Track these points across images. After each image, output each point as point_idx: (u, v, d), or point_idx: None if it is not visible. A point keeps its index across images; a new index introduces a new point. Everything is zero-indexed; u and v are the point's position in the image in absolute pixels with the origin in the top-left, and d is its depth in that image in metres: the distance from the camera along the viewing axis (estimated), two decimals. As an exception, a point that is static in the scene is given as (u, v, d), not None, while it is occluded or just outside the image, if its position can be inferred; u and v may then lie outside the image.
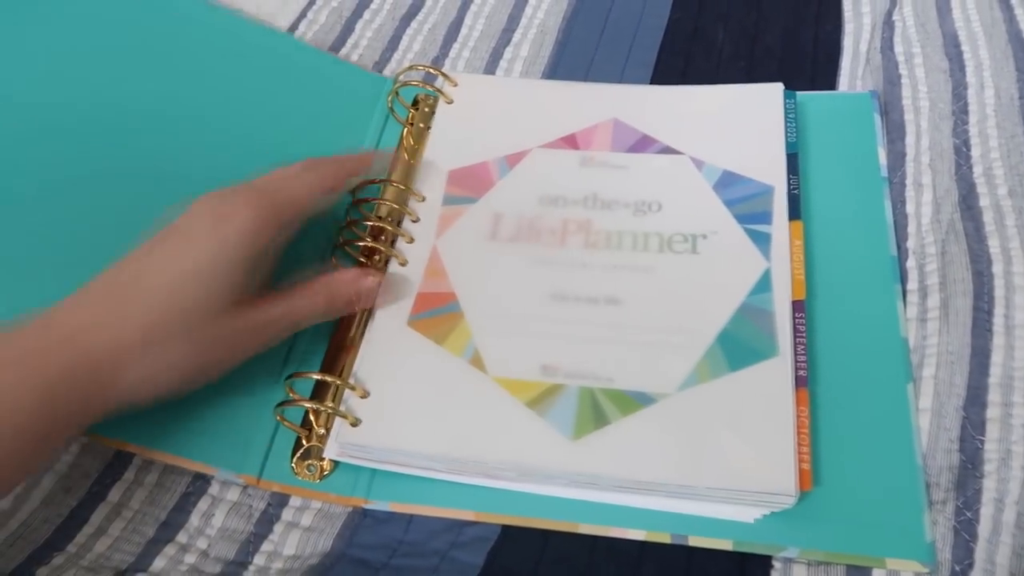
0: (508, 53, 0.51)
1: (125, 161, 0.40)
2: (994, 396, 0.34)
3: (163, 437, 0.36)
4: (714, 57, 0.50)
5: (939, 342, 0.36)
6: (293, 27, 0.53)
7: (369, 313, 0.39)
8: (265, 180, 0.34)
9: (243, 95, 0.45)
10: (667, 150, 0.43)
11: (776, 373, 0.35)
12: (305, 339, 0.39)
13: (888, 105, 0.45)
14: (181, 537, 0.35)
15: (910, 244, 0.40)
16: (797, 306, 0.37)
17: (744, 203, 0.41)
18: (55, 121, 0.42)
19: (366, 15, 0.54)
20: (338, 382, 0.36)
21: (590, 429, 0.34)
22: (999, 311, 0.36)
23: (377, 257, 0.41)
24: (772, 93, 0.45)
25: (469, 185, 0.43)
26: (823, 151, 0.43)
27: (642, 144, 0.44)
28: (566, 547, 0.34)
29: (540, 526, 0.34)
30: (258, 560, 0.35)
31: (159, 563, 0.34)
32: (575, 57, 0.51)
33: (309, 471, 0.36)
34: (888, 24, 0.48)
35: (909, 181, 0.42)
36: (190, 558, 0.35)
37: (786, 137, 0.43)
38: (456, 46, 0.52)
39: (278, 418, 0.36)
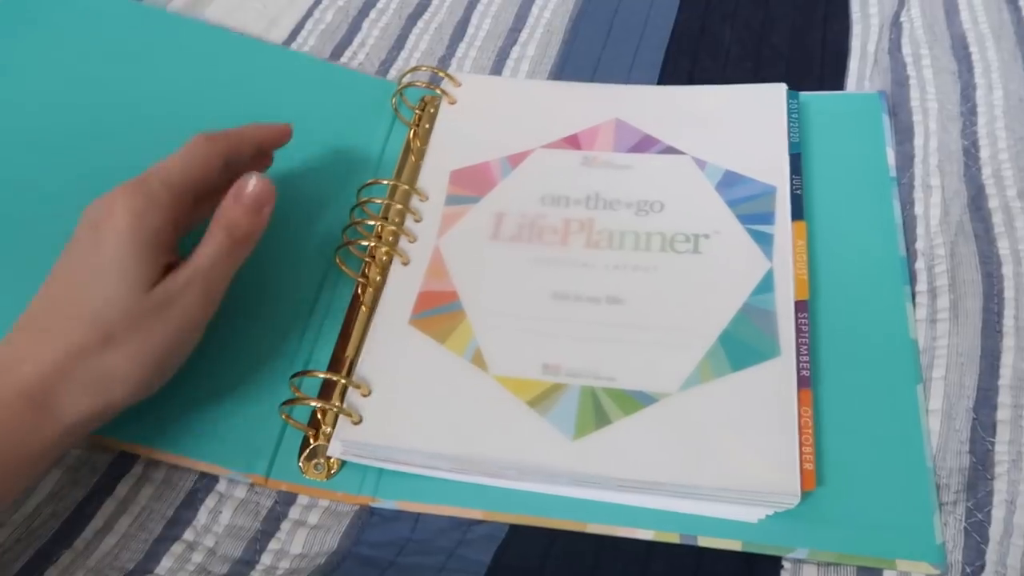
0: (515, 53, 0.51)
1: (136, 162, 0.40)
2: (1004, 398, 0.34)
3: (170, 438, 0.36)
4: (721, 57, 0.50)
5: (949, 343, 0.36)
6: (299, 26, 0.53)
7: (372, 311, 0.39)
8: (148, 168, 0.35)
9: (250, 110, 0.45)
10: (669, 150, 0.43)
11: (778, 373, 0.35)
12: (311, 339, 0.39)
13: (896, 106, 0.45)
14: (188, 535, 0.35)
15: (919, 245, 0.40)
16: (800, 306, 0.37)
17: (746, 203, 0.41)
18: (55, 153, 0.44)
19: (372, 14, 0.54)
20: (341, 380, 0.36)
21: (591, 428, 0.34)
22: (1009, 312, 0.36)
23: (384, 256, 0.41)
24: (775, 93, 0.45)
25: (472, 185, 0.43)
26: (832, 152, 0.43)
27: (644, 144, 0.44)
28: (574, 545, 0.34)
29: (549, 525, 0.34)
30: (265, 559, 0.34)
31: (166, 563, 0.34)
32: (582, 57, 0.51)
33: (316, 470, 0.36)
34: (896, 25, 0.48)
35: (918, 182, 0.42)
36: (197, 557, 0.34)
37: (789, 137, 0.43)
38: (463, 45, 0.52)
39: (283, 417, 0.36)
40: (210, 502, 0.36)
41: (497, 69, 0.51)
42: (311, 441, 0.36)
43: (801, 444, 0.33)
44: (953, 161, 0.42)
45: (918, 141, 0.43)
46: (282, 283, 0.41)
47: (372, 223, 0.41)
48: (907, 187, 0.42)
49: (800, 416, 0.34)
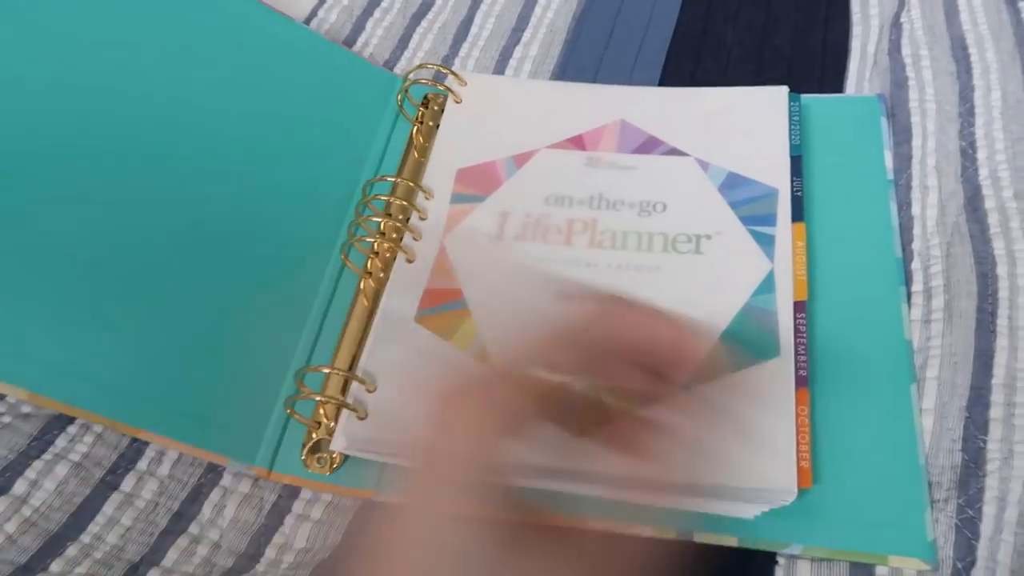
0: (518, 52, 0.52)
1: (131, 143, 0.40)
2: (997, 396, 0.35)
3: (177, 425, 0.36)
4: (723, 59, 0.50)
5: (943, 343, 0.37)
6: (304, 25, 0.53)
7: (375, 307, 0.39)
8: None
9: (255, 84, 0.45)
10: (673, 151, 0.44)
11: (778, 373, 0.35)
12: (315, 333, 0.40)
13: (895, 107, 0.45)
14: (193, 528, 0.35)
15: (915, 246, 0.40)
16: (799, 307, 0.38)
17: (749, 205, 0.41)
18: (53, 107, 0.41)
19: (377, 13, 0.54)
20: (347, 375, 0.37)
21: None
22: (1003, 312, 0.36)
23: (387, 253, 0.41)
24: (777, 96, 0.45)
25: (477, 184, 0.43)
26: (830, 154, 0.43)
27: (648, 145, 0.44)
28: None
29: (548, 521, 0.35)
30: (269, 553, 0.35)
31: (172, 555, 0.35)
32: (584, 57, 0.51)
33: (319, 464, 0.36)
34: (896, 26, 0.49)
35: (915, 183, 0.42)
36: (203, 550, 0.35)
37: (790, 140, 0.43)
38: (466, 45, 0.52)
39: (288, 411, 0.36)
40: (215, 496, 0.36)
41: (500, 69, 0.51)
42: (314, 435, 0.37)
43: (798, 442, 0.34)
44: (950, 162, 0.42)
45: (916, 142, 0.43)
46: (285, 276, 0.41)
47: (377, 219, 0.42)
48: (904, 188, 0.42)
49: (797, 415, 0.35)
